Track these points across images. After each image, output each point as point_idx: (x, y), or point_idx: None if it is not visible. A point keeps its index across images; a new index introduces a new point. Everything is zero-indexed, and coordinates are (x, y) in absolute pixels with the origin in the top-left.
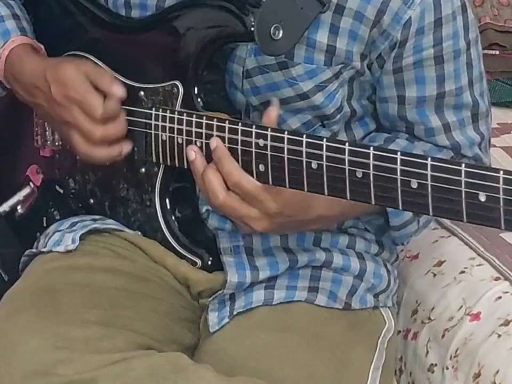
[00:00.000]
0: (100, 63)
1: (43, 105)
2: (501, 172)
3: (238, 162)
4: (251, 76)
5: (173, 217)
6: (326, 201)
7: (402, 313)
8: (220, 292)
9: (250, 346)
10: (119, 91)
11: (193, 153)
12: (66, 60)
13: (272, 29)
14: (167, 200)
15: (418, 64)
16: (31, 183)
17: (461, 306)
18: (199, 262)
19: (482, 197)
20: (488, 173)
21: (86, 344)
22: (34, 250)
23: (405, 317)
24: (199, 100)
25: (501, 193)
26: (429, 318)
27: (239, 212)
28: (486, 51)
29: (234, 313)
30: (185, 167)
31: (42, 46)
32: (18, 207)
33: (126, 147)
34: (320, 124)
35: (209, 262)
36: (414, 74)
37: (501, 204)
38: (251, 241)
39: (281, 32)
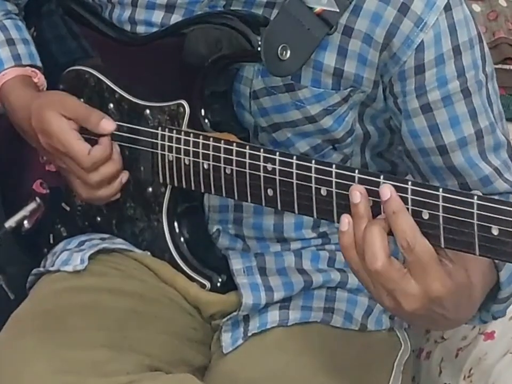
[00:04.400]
0: (104, 79)
1: (36, 147)
2: None
3: (246, 186)
4: (258, 97)
5: (182, 238)
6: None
7: (414, 332)
8: (234, 313)
9: (265, 367)
10: (108, 126)
11: (359, 196)
12: (49, 102)
13: (279, 49)
14: (175, 221)
15: (447, 100)
16: (37, 198)
17: (474, 326)
18: (208, 284)
19: (495, 231)
20: (501, 207)
21: (93, 367)
22: (41, 269)
23: (418, 336)
24: (206, 120)
25: None
26: (442, 337)
27: (396, 284)
28: (500, 66)
29: (249, 334)
30: (193, 188)
31: (38, 72)
32: (25, 222)
33: (125, 177)
34: (331, 147)
35: (219, 284)
36: (446, 115)
37: None
38: (264, 260)
39: (288, 52)
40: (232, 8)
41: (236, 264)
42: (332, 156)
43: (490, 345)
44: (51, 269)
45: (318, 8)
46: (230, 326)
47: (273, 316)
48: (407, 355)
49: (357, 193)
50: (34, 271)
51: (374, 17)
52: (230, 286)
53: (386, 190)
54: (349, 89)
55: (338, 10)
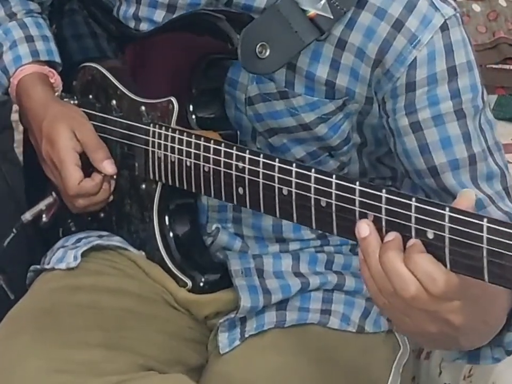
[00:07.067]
0: (109, 76)
1: (35, 147)
2: (447, 209)
3: (221, 185)
4: (253, 103)
5: (171, 235)
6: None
7: None
8: (231, 315)
9: (262, 368)
10: (109, 169)
11: (367, 228)
12: (68, 116)
13: (258, 47)
14: (166, 218)
15: (438, 120)
16: (53, 193)
17: None
18: (189, 283)
19: (430, 234)
20: (436, 210)
21: (87, 366)
22: (38, 266)
23: None
24: (193, 117)
25: (447, 232)
26: None
27: (438, 302)
28: (500, 66)
29: (246, 335)
30: (178, 185)
31: (55, 73)
32: (43, 216)
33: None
34: (327, 154)
35: (201, 284)
36: (437, 135)
37: (446, 243)
38: (262, 262)
39: (268, 51)
40: None
41: (234, 265)
42: (328, 163)
43: None
44: (47, 267)
45: (311, 12)
46: (226, 327)
47: (270, 317)
48: (406, 357)
49: (364, 226)
50: (32, 268)
51: (367, 32)
52: (217, 286)
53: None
54: (343, 99)
55: (332, 17)
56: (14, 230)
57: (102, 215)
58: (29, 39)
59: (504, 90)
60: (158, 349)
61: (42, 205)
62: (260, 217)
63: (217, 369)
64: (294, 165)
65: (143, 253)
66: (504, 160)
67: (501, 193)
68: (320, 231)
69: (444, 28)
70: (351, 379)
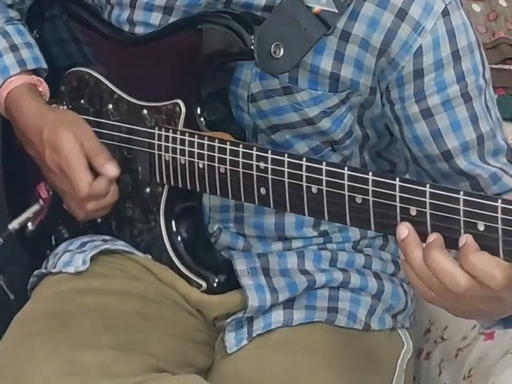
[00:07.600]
0: (104, 80)
1: (36, 159)
2: (499, 201)
3: (240, 185)
4: (256, 100)
5: (179, 238)
6: None
7: (414, 332)
8: (239, 314)
9: (269, 368)
10: (112, 172)
11: (406, 230)
12: (67, 121)
13: (272, 47)
14: (173, 221)
15: (448, 104)
16: (40, 200)
17: (475, 326)
18: (204, 284)
19: (481, 226)
20: (487, 202)
21: (99, 368)
22: (43, 270)
23: (418, 336)
24: (202, 119)
25: (499, 223)
26: (442, 338)
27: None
28: (500, 66)
29: (254, 335)
30: (189, 187)
31: (42, 81)
32: (29, 224)
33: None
34: (330, 148)
35: (215, 284)
36: (447, 119)
37: (500, 233)
38: (267, 261)
39: (282, 50)
40: None
41: (240, 264)
42: (331, 157)
43: (490, 345)
44: (53, 270)
45: (316, 8)
46: (233, 326)
47: (277, 316)
48: (409, 354)
49: (404, 228)
50: (35, 272)
51: (371, 22)
52: (228, 286)
53: (463, 239)
54: (346, 91)
55: (337, 11)
56: (1, 240)
57: (99, 220)
58: (14, 48)
59: (504, 90)
60: (166, 351)
61: (29, 213)
62: (261, 216)
63: (225, 369)
64: (324, 163)
65: (149, 256)
66: (505, 134)
67: (508, 164)
68: (321, 230)
69: (445, 13)
70: (357, 376)
